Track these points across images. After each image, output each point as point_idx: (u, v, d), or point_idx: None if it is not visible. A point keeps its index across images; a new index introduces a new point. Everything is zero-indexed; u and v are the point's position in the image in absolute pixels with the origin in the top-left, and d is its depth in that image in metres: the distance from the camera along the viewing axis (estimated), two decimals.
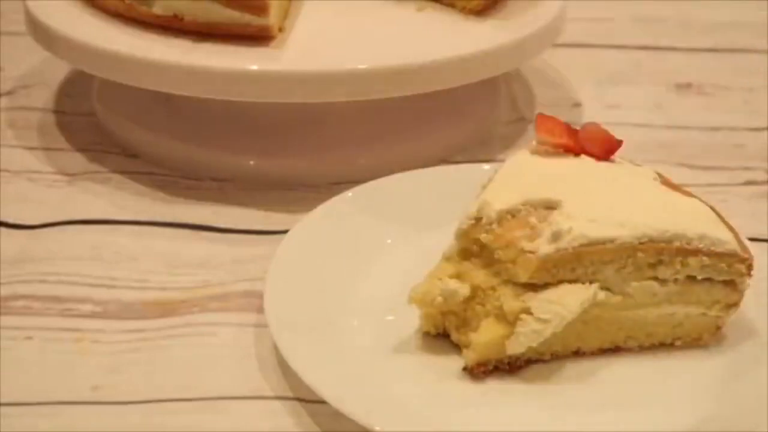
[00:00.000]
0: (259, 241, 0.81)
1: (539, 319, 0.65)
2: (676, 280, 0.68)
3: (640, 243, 0.67)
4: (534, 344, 0.66)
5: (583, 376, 0.68)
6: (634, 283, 0.68)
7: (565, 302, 0.65)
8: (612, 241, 0.66)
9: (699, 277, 0.69)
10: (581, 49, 1.12)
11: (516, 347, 0.66)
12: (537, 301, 0.65)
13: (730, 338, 0.71)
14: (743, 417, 0.64)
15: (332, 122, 0.92)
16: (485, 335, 0.66)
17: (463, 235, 0.68)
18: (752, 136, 0.99)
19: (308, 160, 0.90)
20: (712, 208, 0.71)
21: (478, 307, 0.68)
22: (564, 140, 0.73)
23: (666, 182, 0.73)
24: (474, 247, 0.68)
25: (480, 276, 0.68)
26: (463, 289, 0.67)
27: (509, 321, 0.66)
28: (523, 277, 0.66)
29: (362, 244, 0.76)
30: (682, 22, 1.19)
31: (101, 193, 0.86)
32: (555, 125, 0.73)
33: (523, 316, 0.65)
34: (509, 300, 0.66)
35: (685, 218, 0.68)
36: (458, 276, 0.68)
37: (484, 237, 0.67)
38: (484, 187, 0.71)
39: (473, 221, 0.68)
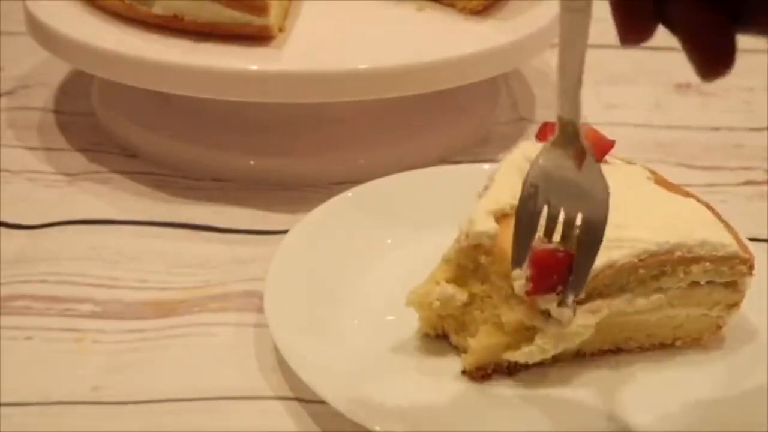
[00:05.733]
0: (259, 241, 0.81)
1: (546, 340, 0.65)
2: (678, 287, 0.68)
3: (640, 260, 0.66)
4: (538, 359, 0.66)
5: (583, 377, 0.68)
6: (640, 300, 0.67)
7: (574, 329, 0.65)
8: (611, 266, 0.65)
9: (702, 282, 0.68)
10: None
11: (520, 359, 0.65)
12: (545, 323, 0.64)
13: (730, 338, 0.71)
14: (743, 417, 0.64)
15: (332, 122, 0.92)
16: (483, 341, 0.66)
17: (458, 255, 0.67)
18: (752, 136, 0.99)
19: (308, 160, 0.90)
20: (709, 207, 0.71)
21: (477, 313, 0.67)
22: None
23: (659, 180, 0.73)
24: (470, 265, 0.67)
25: (478, 285, 0.67)
26: (461, 295, 0.67)
27: (507, 332, 0.65)
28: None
29: (362, 244, 0.76)
30: None
31: (101, 193, 0.86)
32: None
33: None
34: (507, 312, 0.65)
35: (684, 224, 0.68)
36: (456, 280, 0.67)
37: (483, 259, 0.66)
38: (486, 187, 0.70)
39: (468, 244, 0.66)
